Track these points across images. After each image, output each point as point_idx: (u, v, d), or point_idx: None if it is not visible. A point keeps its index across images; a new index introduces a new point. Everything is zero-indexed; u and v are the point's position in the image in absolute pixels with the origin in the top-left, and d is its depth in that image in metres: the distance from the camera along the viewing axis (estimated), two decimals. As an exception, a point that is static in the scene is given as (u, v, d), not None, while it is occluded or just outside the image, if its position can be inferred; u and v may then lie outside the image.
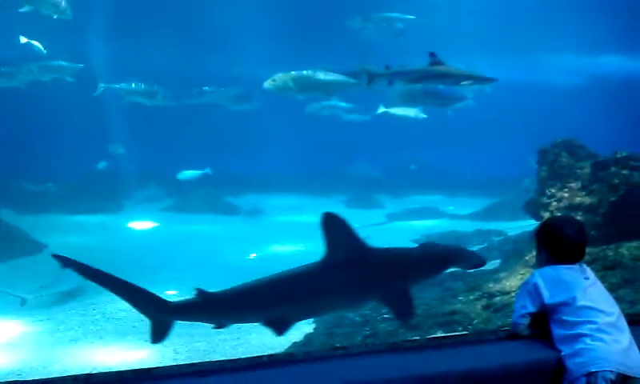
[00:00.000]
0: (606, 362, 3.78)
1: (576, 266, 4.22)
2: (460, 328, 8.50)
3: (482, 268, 8.90)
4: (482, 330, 7.72)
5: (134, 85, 17.23)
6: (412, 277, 6.94)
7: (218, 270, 13.55)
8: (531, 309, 4.14)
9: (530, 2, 24.14)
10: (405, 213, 20.23)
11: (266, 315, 6.81)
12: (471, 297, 9.49)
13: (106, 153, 21.53)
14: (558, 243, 4.27)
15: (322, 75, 13.19)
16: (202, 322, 7.30)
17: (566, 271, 4.18)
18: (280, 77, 13.22)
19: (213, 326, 7.22)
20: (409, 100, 14.86)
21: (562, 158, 11.31)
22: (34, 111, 21.60)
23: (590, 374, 3.78)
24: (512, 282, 9.48)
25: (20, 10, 14.11)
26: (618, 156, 10.27)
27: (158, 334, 6.97)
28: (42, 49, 16.05)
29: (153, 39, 23.21)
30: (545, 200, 10.93)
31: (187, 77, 19.45)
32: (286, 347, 8.85)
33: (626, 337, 3.95)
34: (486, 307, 8.98)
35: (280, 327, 6.71)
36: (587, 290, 4.10)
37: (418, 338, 7.58)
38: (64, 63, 16.55)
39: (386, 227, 18.21)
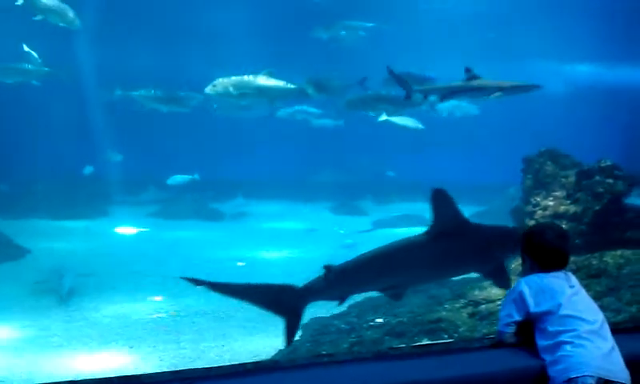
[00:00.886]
0: (586, 367, 3.81)
1: (561, 274, 4.25)
2: (446, 336, 8.51)
3: (467, 275, 9.04)
4: (467, 338, 7.75)
5: (152, 91, 17.14)
6: (507, 250, 7.41)
7: (203, 275, 13.46)
8: (517, 317, 4.16)
9: (511, 7, 24.33)
10: (390, 220, 20.23)
11: (382, 283, 7.47)
12: (457, 304, 9.49)
13: (95, 158, 21.40)
14: (539, 249, 4.30)
15: (263, 81, 13.15)
16: (329, 299, 7.77)
17: (551, 279, 4.20)
18: (220, 82, 13.24)
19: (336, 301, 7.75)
20: (359, 106, 14.93)
21: (547, 167, 11.37)
22: (19, 113, 21.51)
23: (570, 380, 3.81)
24: (497, 290, 9.47)
25: (33, 18, 14.29)
26: (603, 165, 10.33)
27: (292, 328, 7.31)
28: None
29: (138, 43, 23.12)
30: (530, 208, 10.96)
31: (174, 80, 19.32)
32: (272, 354, 8.83)
33: (608, 343, 3.98)
34: (471, 315, 9.00)
35: (395, 294, 7.60)
36: (571, 298, 4.13)
37: (403, 345, 7.62)
38: (30, 66, 16.35)
39: (373, 235, 18.22)
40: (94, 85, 21.37)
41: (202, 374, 3.73)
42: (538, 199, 10.94)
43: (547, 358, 3.96)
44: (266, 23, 22.78)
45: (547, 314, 4.07)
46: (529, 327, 4.16)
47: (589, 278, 8.65)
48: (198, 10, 23.33)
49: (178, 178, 19.69)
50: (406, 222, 19.71)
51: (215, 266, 14.36)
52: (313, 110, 20.32)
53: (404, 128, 18.41)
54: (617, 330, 4.19)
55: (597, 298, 4.25)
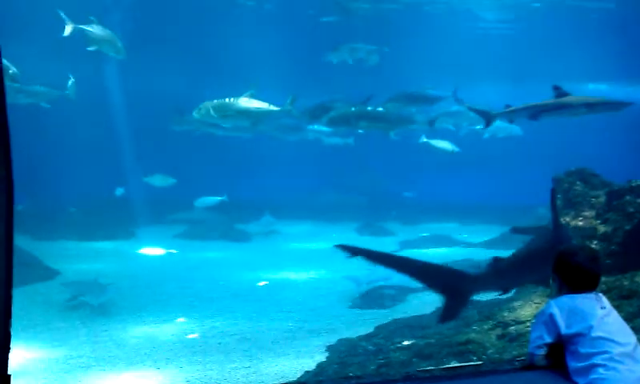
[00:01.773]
0: (620, 391, 3.73)
1: (592, 296, 4.18)
2: (474, 358, 8.40)
3: (496, 296, 8.98)
4: (497, 360, 7.65)
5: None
6: None
7: (229, 296, 13.54)
8: (548, 339, 4.10)
9: (541, 32, 24.27)
10: (417, 240, 20.13)
11: (535, 276, 8.07)
12: (485, 326, 9.39)
13: (127, 179, 21.67)
14: (570, 271, 4.24)
15: (244, 103, 13.24)
16: (495, 289, 8.32)
17: (582, 301, 4.14)
18: (205, 105, 13.40)
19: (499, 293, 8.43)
20: (340, 123, 14.91)
21: (577, 187, 11.27)
22: (50, 135, 21.89)
23: (603, 404, 3.73)
24: (527, 311, 9.38)
25: (87, 49, 14.80)
26: (633, 184, 10.23)
27: (453, 310, 7.72)
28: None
29: (164, 68, 23.45)
30: (560, 228, 10.83)
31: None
32: (298, 376, 8.78)
33: (641, 367, 3.90)
34: (500, 337, 8.88)
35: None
36: (603, 319, 4.05)
37: (432, 367, 7.52)
38: (40, 88, 16.58)
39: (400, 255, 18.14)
40: (124, 108, 21.74)
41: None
42: (568, 219, 10.83)
43: (580, 380, 3.89)
44: (290, 47, 22.95)
45: (578, 335, 4.00)
46: (560, 349, 4.10)
47: (620, 298, 8.49)
48: (222, 36, 23.58)
49: (204, 200, 19.83)
50: (434, 243, 19.64)
51: (242, 287, 14.40)
52: (324, 128, 20.33)
53: (442, 151, 18.79)
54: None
55: (628, 319, 4.18)
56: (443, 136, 20.03)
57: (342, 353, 9.50)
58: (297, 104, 13.73)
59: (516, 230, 11.40)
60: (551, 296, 4.42)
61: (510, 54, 24.79)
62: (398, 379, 4.08)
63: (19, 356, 9.66)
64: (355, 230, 22.38)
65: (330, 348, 9.86)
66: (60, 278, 14.65)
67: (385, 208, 24.02)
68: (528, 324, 8.51)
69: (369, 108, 14.21)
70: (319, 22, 23.86)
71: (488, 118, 12.18)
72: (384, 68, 21.02)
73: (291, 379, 8.51)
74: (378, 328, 10.65)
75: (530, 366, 4.16)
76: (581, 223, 10.61)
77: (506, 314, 9.62)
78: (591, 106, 11.23)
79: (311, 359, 9.43)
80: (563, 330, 4.05)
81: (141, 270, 16.33)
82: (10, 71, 12.73)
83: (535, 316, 4.49)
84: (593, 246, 9.30)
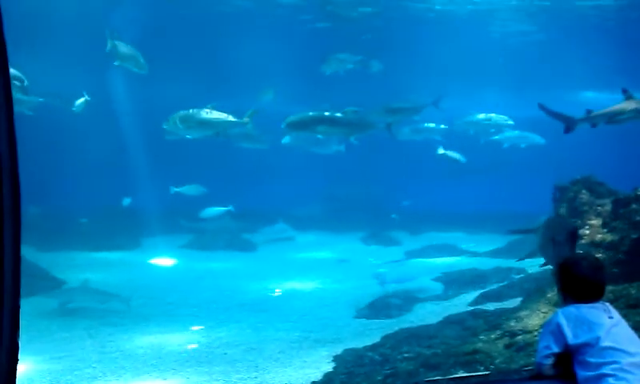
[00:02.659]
0: (630, 402, 3.71)
1: (599, 305, 4.15)
2: (482, 368, 8.37)
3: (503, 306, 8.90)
4: (504, 370, 7.61)
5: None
6: None
7: (235, 306, 13.53)
8: (555, 349, 4.07)
9: (546, 41, 24.33)
10: (423, 250, 20.11)
11: None
12: (492, 335, 9.35)
13: (135, 189, 21.71)
14: (574, 282, 4.22)
15: (205, 114, 13.81)
16: None
17: (590, 310, 4.11)
18: (173, 116, 13.90)
19: None
20: (299, 128, 14.87)
21: (582, 195, 11.24)
22: (60, 144, 21.99)
23: (615, 414, 3.70)
24: (534, 321, 9.34)
25: (115, 64, 15.35)
26: (639, 193, 10.17)
27: None
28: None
29: (175, 78, 23.53)
30: (565, 237, 10.79)
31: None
32: (305, 386, 8.76)
33: (651, 378, 3.87)
34: (508, 346, 8.84)
35: None
36: (611, 329, 4.02)
37: (439, 377, 7.48)
38: (22, 96, 16.69)
39: (406, 264, 18.12)
40: (133, 119, 21.87)
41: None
42: (574, 228, 10.76)
43: (588, 390, 3.86)
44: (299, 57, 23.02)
45: (586, 345, 3.98)
46: (567, 359, 4.07)
47: (627, 307, 8.44)
48: (233, 45, 23.66)
49: (211, 211, 19.87)
50: (439, 252, 19.62)
51: (247, 297, 14.39)
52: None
53: (456, 161, 19.13)
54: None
55: (636, 328, 4.14)
56: (461, 143, 20.30)
57: (349, 363, 9.47)
58: (255, 117, 14.20)
59: (512, 232, 11.42)
60: (559, 305, 4.40)
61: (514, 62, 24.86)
62: (405, 389, 4.06)
63: (25, 367, 9.67)
64: (361, 239, 22.36)
65: (336, 358, 9.83)
66: (66, 288, 14.66)
67: (385, 215, 24.00)
68: (535, 333, 8.47)
69: (326, 113, 14.26)
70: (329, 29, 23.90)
71: (569, 123, 11.95)
72: (390, 75, 21.08)
73: (298, 390, 8.50)
74: (384, 338, 10.61)
75: (538, 375, 4.13)
76: (587, 232, 10.57)
77: (513, 324, 9.58)
78: None
79: (318, 369, 9.40)
80: (571, 339, 4.03)
81: (147, 280, 16.34)
82: (25, 83, 12.92)
83: (542, 325, 4.47)
84: (599, 255, 9.27)
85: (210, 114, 13.87)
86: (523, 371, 4.44)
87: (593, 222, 10.71)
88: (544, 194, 12.84)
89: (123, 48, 15.26)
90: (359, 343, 10.43)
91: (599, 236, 10.35)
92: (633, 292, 8.91)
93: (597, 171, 12.04)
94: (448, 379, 4.80)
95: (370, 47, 21.64)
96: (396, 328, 11.25)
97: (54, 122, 17.59)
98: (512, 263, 15.88)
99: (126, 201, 21.45)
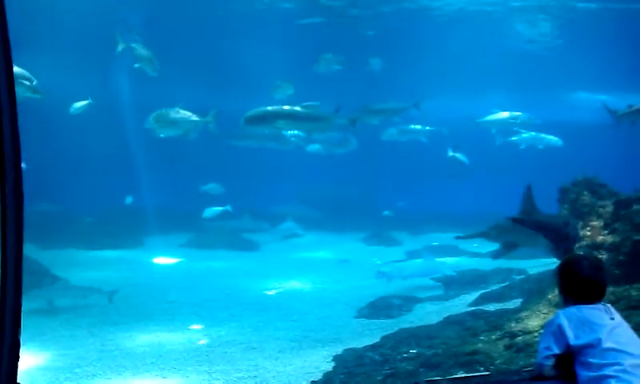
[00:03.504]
0: (633, 404, 3.70)
1: (600, 306, 4.14)
2: (482, 368, 8.37)
3: (503, 307, 8.86)
4: (505, 371, 7.61)
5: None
6: None
7: (235, 305, 13.53)
8: (556, 350, 4.06)
9: (548, 46, 24.28)
10: (424, 250, 20.09)
11: None
12: (493, 336, 9.35)
13: (137, 188, 21.74)
14: (574, 282, 4.20)
15: (174, 114, 14.46)
16: None
17: (591, 311, 4.10)
18: (151, 116, 14.56)
19: None
20: (257, 123, 14.82)
21: (584, 197, 11.21)
22: (65, 144, 22.00)
23: (618, 416, 3.70)
24: (534, 322, 9.34)
25: (134, 66, 15.82)
26: (641, 194, 10.18)
27: None
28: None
29: (179, 78, 23.52)
30: (566, 238, 10.79)
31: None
32: (305, 386, 8.76)
33: (653, 379, 3.86)
34: (508, 347, 8.84)
35: None
36: (613, 330, 4.01)
37: (439, 378, 7.47)
38: (33, 95, 16.75)
39: (407, 264, 18.12)
40: (135, 119, 21.89)
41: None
42: (576, 229, 10.76)
43: (590, 391, 3.86)
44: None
45: (588, 346, 3.97)
46: (569, 360, 4.06)
47: (628, 308, 8.44)
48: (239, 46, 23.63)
49: (213, 211, 19.97)
50: (440, 252, 19.60)
51: (248, 296, 14.39)
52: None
53: (463, 162, 19.38)
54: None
55: (637, 329, 4.14)
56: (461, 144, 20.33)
57: (349, 363, 9.47)
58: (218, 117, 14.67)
59: (460, 238, 11.82)
60: (560, 307, 4.39)
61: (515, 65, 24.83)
62: (405, 389, 4.06)
63: (26, 364, 9.67)
64: (362, 239, 22.36)
65: (336, 358, 9.83)
66: (67, 286, 14.66)
67: (381, 214, 24.02)
68: (536, 334, 8.47)
69: (286, 107, 14.22)
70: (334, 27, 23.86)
71: (614, 117, 12.02)
72: (392, 75, 21.09)
73: (298, 389, 8.50)
74: (384, 338, 10.62)
75: (538, 376, 4.12)
76: (589, 233, 10.56)
77: (513, 325, 9.58)
78: None
79: (317, 369, 9.40)
80: (572, 340, 4.02)
81: (148, 279, 16.35)
82: (34, 83, 12.98)
83: (543, 326, 4.47)
84: (601, 256, 9.26)
85: (178, 113, 14.42)
86: (523, 372, 4.43)
87: (594, 223, 10.68)
88: (544, 195, 12.82)
89: (141, 50, 15.56)
90: (359, 343, 10.43)
91: (600, 237, 10.33)
92: (634, 293, 8.91)
93: (600, 173, 12.01)
94: (448, 379, 4.80)
95: (379, 46, 21.60)
96: (396, 328, 11.25)
97: (59, 123, 17.58)
98: (513, 264, 15.90)
99: (129, 199, 21.50)
